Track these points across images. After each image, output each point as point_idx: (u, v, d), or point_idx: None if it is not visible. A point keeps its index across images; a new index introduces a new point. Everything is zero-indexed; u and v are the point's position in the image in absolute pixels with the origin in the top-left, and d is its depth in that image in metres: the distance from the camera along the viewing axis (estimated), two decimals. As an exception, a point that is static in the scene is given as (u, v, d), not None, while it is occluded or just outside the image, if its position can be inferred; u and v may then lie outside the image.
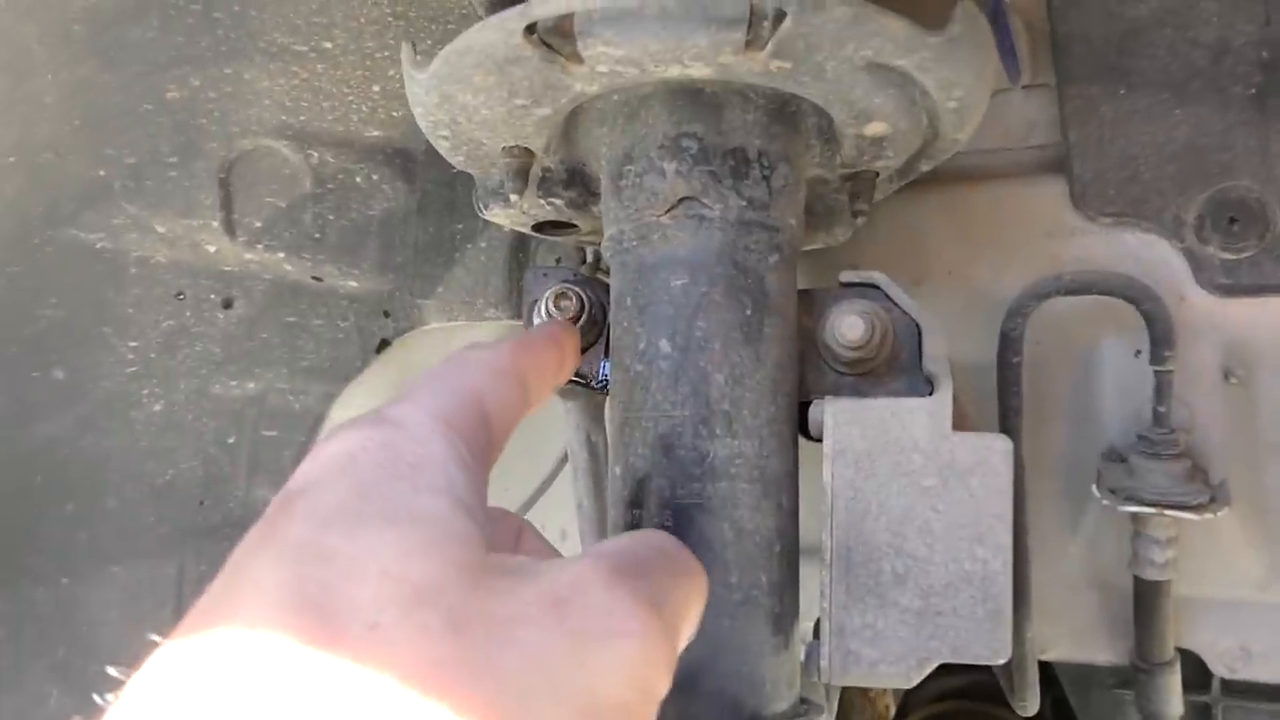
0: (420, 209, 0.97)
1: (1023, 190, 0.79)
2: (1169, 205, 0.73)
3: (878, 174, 0.70)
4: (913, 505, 0.61)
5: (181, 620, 0.35)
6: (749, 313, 0.62)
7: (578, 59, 0.56)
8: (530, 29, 0.54)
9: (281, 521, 0.37)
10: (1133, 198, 0.73)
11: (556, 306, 0.70)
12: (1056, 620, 0.81)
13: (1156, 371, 0.70)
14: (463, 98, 0.61)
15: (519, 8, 0.52)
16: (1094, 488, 0.73)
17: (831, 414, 0.62)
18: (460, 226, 0.96)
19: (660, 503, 0.62)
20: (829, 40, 0.53)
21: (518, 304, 0.96)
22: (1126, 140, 0.73)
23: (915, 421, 0.61)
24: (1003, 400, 0.74)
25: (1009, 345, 0.73)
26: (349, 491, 0.37)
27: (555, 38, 0.55)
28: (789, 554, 0.64)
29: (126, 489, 1.03)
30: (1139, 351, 0.76)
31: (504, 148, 0.66)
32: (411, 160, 0.96)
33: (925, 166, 0.70)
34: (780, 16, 0.52)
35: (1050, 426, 0.79)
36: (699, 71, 0.57)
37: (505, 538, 0.51)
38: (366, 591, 0.34)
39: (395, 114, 0.94)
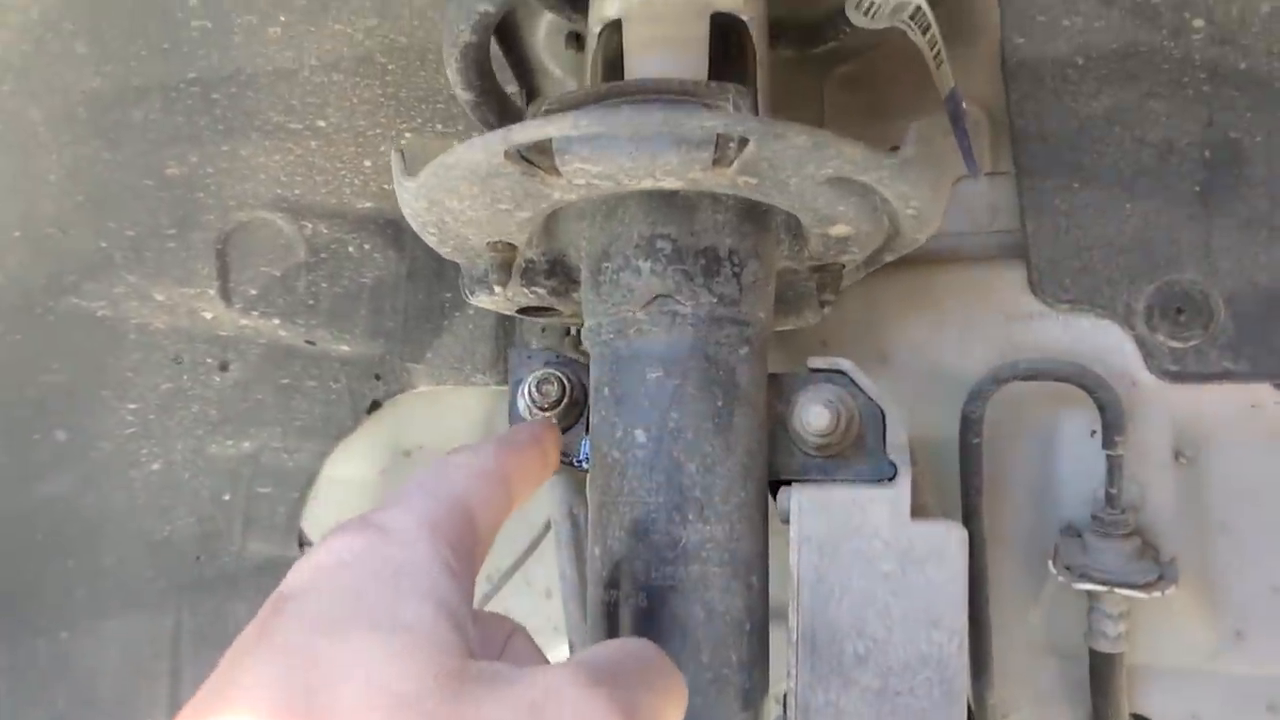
0: (410, 276, 1.00)
1: (986, 274, 0.83)
2: (1120, 295, 0.76)
3: (844, 265, 0.73)
4: (873, 589, 0.64)
5: (177, 715, 0.37)
6: (720, 404, 0.66)
7: (556, 173, 0.60)
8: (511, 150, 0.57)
9: (272, 624, 0.39)
10: (1086, 286, 0.77)
11: (539, 391, 0.74)
12: (1018, 685, 0.84)
13: (1108, 455, 0.74)
14: (450, 202, 0.64)
15: (501, 131, 0.56)
16: (1050, 564, 0.76)
17: (797, 502, 0.66)
18: (449, 295, 0.99)
19: (635, 585, 0.65)
20: (791, 162, 0.57)
21: (504, 370, 0.99)
22: (1080, 231, 0.77)
23: (876, 510, 0.65)
24: (965, 479, 0.77)
25: (970, 427, 0.77)
26: (337, 597, 0.39)
27: (535, 154, 0.59)
28: (759, 631, 0.67)
29: (124, 545, 1.06)
30: (1094, 431, 0.79)
31: (488, 243, 0.70)
32: (401, 230, 1.00)
33: (889, 258, 0.73)
34: (744, 141, 0.56)
35: (1011, 501, 0.83)
36: (671, 184, 0.61)
37: (494, 641, 0.53)
38: (350, 696, 0.36)
39: (386, 187, 0.98)
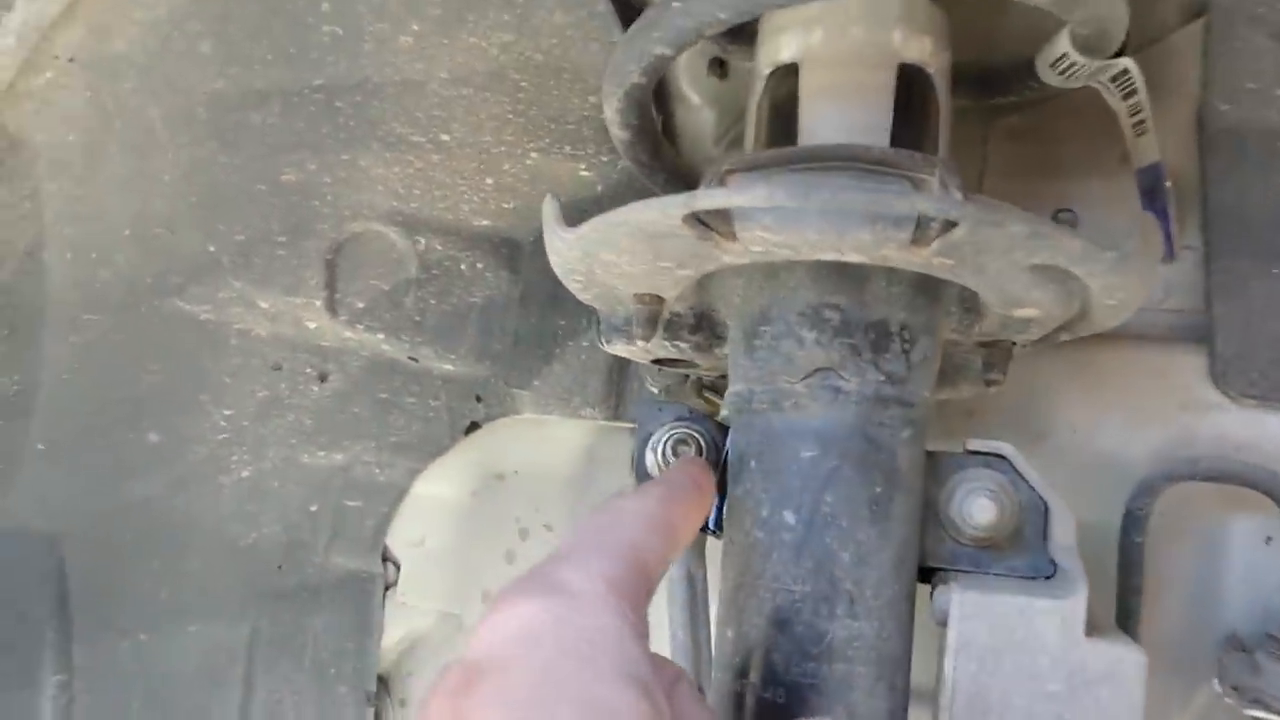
0: (523, 299, 0.96)
1: (1157, 356, 0.76)
2: (1318, 393, 0.70)
3: (1014, 344, 0.68)
4: (1036, 709, 0.59)
5: None
6: (879, 489, 0.61)
7: (733, 238, 0.55)
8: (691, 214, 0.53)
9: (466, 706, 0.38)
10: (1279, 382, 0.71)
11: (675, 452, 0.69)
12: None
13: (1293, 572, 0.68)
14: (605, 256, 0.60)
15: (683, 196, 0.51)
16: (1215, 682, 0.70)
17: (958, 604, 0.60)
18: (563, 322, 0.95)
19: (772, 678, 0.60)
20: (999, 248, 0.52)
21: (615, 406, 0.95)
22: (1277, 321, 0.70)
23: (1046, 623, 0.59)
24: (1123, 579, 0.71)
25: (1134, 524, 0.71)
26: (534, 676, 0.39)
27: (712, 219, 0.54)
28: (900, 736, 0.62)
29: (209, 550, 1.03)
30: (1270, 538, 0.73)
31: (636, 294, 0.65)
32: (518, 250, 0.96)
33: (1065, 338, 0.68)
34: (949, 224, 0.50)
35: (1167, 602, 0.76)
36: (854, 258, 0.56)
37: (664, 689, 0.52)
38: None
39: (506, 205, 0.93)
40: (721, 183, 0.55)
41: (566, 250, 0.60)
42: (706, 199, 0.50)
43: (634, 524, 0.50)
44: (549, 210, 0.60)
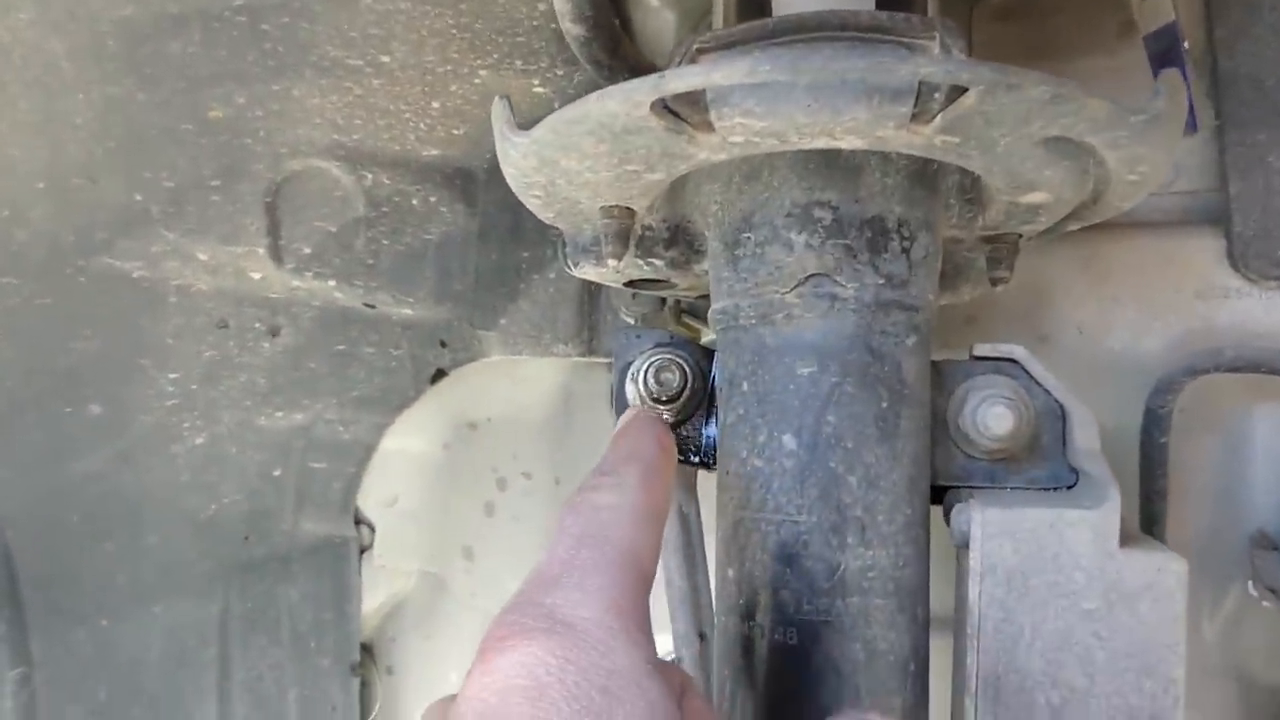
0: (482, 234, 0.89)
1: (1168, 243, 0.71)
2: (1347, 270, 0.65)
3: (1021, 236, 0.62)
4: (1072, 630, 0.54)
5: None
6: (885, 404, 0.55)
7: (708, 128, 0.48)
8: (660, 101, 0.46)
9: None
10: (1304, 260, 0.65)
11: (658, 381, 0.63)
12: (1189, 709, 0.74)
13: (1329, 462, 0.63)
14: (565, 162, 0.53)
15: (651, 78, 0.44)
16: (1249, 584, 0.66)
17: (980, 524, 0.55)
18: (526, 255, 0.88)
19: (782, 618, 0.55)
20: (1013, 118, 0.45)
21: (589, 340, 0.88)
22: (1300, 194, 0.65)
23: (1078, 536, 0.54)
24: (1145, 482, 0.67)
25: (1156, 423, 0.66)
26: None
27: (684, 106, 0.47)
28: (922, 673, 0.57)
29: (167, 525, 0.97)
30: (1296, 429, 0.69)
31: (603, 207, 0.58)
32: (473, 181, 0.89)
33: (1073, 226, 0.62)
34: (955, 92, 0.44)
35: (1191, 501, 0.72)
36: (849, 143, 0.49)
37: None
38: None
39: (456, 131, 0.86)
40: (693, 61, 0.48)
41: (521, 158, 0.53)
42: (677, 79, 0.44)
43: (623, 523, 0.44)
44: (499, 112, 0.53)
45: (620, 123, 0.48)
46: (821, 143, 0.49)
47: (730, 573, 0.58)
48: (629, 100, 0.45)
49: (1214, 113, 0.66)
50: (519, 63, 0.81)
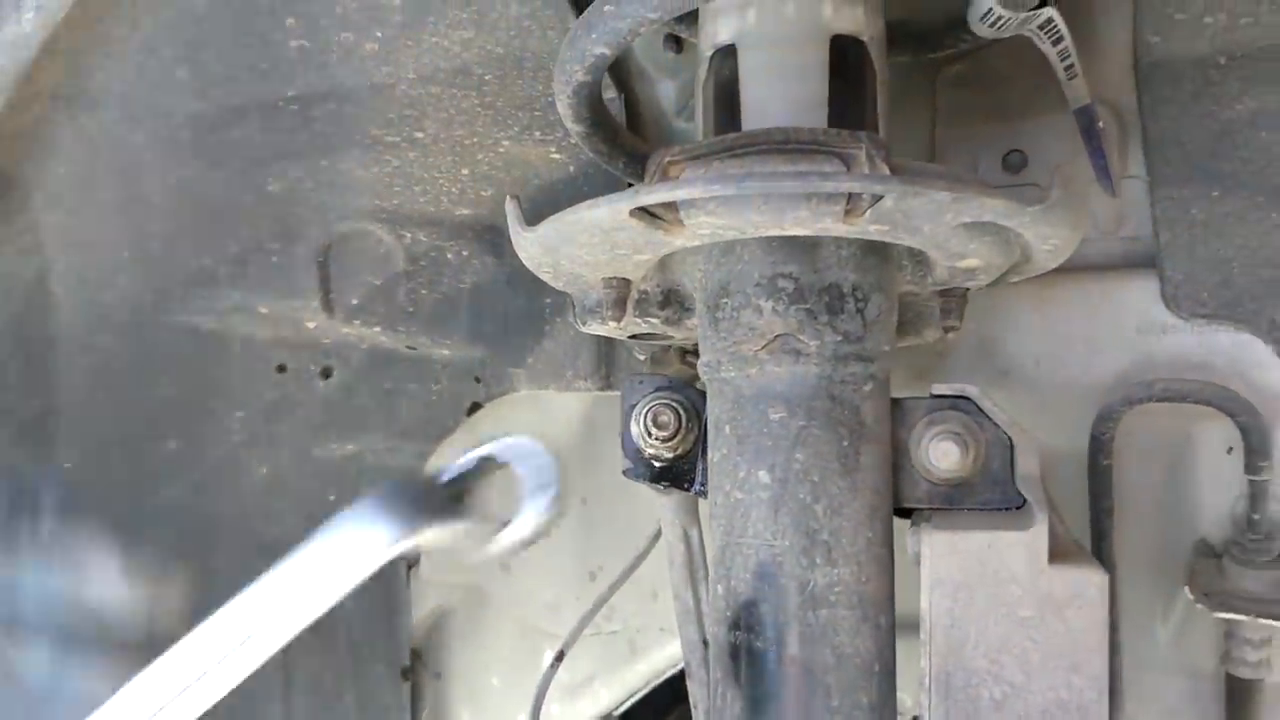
0: (510, 282, 0.99)
1: (1112, 284, 0.79)
2: (1264, 309, 0.73)
3: (968, 289, 0.71)
4: (1010, 635, 0.63)
5: None
6: (846, 443, 0.64)
7: (680, 225, 0.58)
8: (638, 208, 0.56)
9: None
10: (1226, 300, 0.73)
11: (655, 424, 0.73)
12: (1145, 703, 0.82)
13: (1251, 480, 0.71)
14: (567, 249, 0.63)
15: (627, 194, 0.54)
16: (1186, 589, 0.74)
17: (929, 545, 0.64)
18: (549, 300, 0.98)
19: (761, 629, 0.64)
20: (927, 213, 0.55)
21: (606, 376, 0.98)
22: (1220, 242, 0.73)
23: (1013, 555, 0.63)
24: (1094, 501, 0.75)
25: (1100, 448, 0.74)
26: None
27: (660, 209, 0.57)
28: (887, 672, 0.66)
29: (236, 548, 1.09)
30: (1231, 448, 0.76)
31: (603, 279, 0.69)
32: (501, 235, 0.99)
33: (1015, 279, 0.70)
34: (877, 197, 0.53)
35: (1138, 516, 0.80)
36: (797, 232, 0.59)
37: None
38: None
39: (484, 193, 0.96)
40: (664, 174, 0.58)
41: (530, 248, 0.64)
42: (649, 195, 0.54)
43: None
44: (510, 213, 0.63)
45: (607, 224, 0.58)
46: (774, 232, 0.59)
47: (720, 589, 0.67)
48: (613, 209, 0.55)
49: (1145, 170, 0.75)
50: (537, 133, 0.91)
